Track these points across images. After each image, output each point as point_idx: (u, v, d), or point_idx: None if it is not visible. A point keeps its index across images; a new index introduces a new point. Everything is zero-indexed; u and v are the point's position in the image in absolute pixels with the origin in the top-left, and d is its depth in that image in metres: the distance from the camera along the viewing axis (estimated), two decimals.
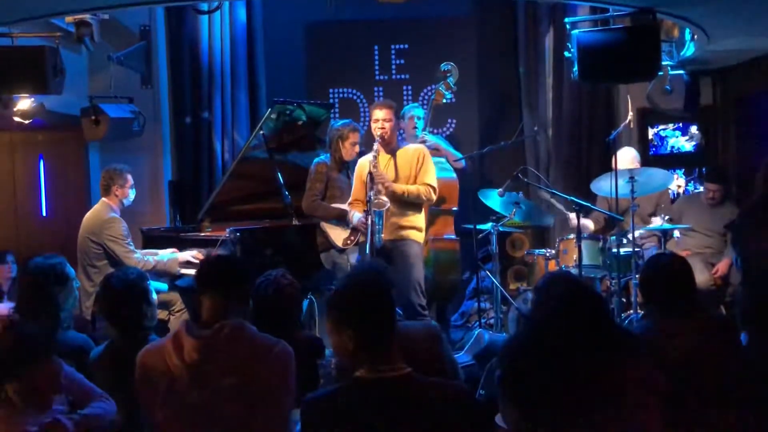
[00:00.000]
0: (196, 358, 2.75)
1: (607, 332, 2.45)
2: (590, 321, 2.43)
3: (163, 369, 2.79)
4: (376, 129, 5.60)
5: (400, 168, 5.64)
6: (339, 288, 2.54)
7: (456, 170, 6.65)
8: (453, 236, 6.54)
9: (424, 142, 6.52)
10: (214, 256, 3.15)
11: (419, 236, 5.70)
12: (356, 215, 5.68)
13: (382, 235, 5.38)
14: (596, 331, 2.42)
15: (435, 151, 6.58)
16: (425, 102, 7.72)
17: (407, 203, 5.61)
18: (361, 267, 3.99)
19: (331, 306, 2.49)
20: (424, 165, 5.67)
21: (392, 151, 5.70)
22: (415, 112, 6.80)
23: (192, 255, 5.87)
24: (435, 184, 5.67)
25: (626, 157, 6.51)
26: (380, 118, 5.61)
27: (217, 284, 2.92)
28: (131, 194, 5.98)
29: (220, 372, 2.74)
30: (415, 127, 6.69)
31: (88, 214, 5.91)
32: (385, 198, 5.40)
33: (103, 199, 5.92)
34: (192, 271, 5.88)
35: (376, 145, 5.55)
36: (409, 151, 5.76)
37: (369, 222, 5.32)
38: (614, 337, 2.47)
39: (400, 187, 5.54)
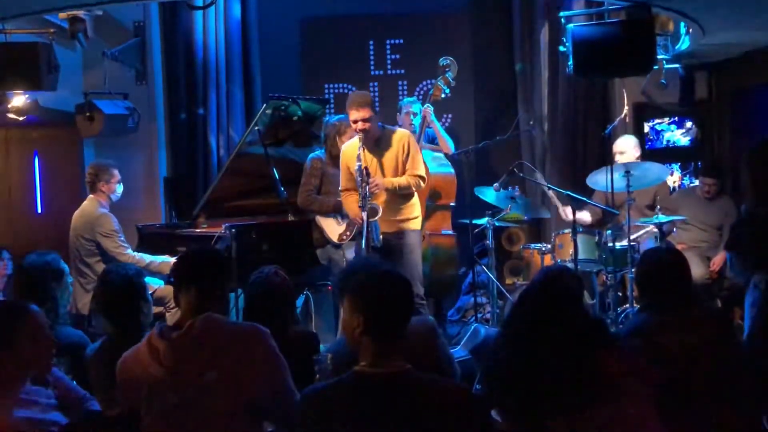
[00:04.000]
0: (173, 359, 2.72)
1: (580, 327, 2.45)
2: (560, 318, 2.45)
3: (142, 375, 2.76)
4: (357, 130, 5.41)
5: (385, 160, 5.53)
6: (363, 272, 2.58)
7: (452, 162, 6.62)
8: (450, 231, 6.54)
9: (425, 118, 6.52)
10: (186, 252, 3.11)
11: (417, 224, 5.62)
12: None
13: (381, 237, 5.33)
14: (568, 327, 2.43)
15: (434, 146, 6.58)
16: (421, 96, 7.72)
17: (400, 195, 5.54)
18: (362, 261, 4.01)
19: (351, 288, 2.52)
20: (410, 154, 5.53)
21: (376, 143, 5.55)
22: (414, 107, 6.77)
23: None
24: (423, 173, 5.56)
25: (629, 144, 6.48)
26: (359, 118, 5.38)
27: (192, 280, 2.87)
28: (118, 189, 5.95)
29: (199, 369, 2.71)
30: (412, 123, 6.66)
31: (77, 212, 5.89)
32: (377, 206, 5.33)
33: (91, 195, 5.90)
34: None
35: (360, 145, 5.41)
36: (394, 138, 5.58)
37: (365, 223, 5.26)
38: (589, 330, 2.47)
39: (391, 183, 5.44)
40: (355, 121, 5.41)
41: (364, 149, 5.44)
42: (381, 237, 5.34)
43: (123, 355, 2.87)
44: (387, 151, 5.55)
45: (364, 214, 5.26)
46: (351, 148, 5.54)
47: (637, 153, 6.47)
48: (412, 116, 6.70)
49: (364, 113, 5.38)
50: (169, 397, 2.72)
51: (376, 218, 5.32)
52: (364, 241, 5.26)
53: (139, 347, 2.83)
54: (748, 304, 4.18)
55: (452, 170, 6.50)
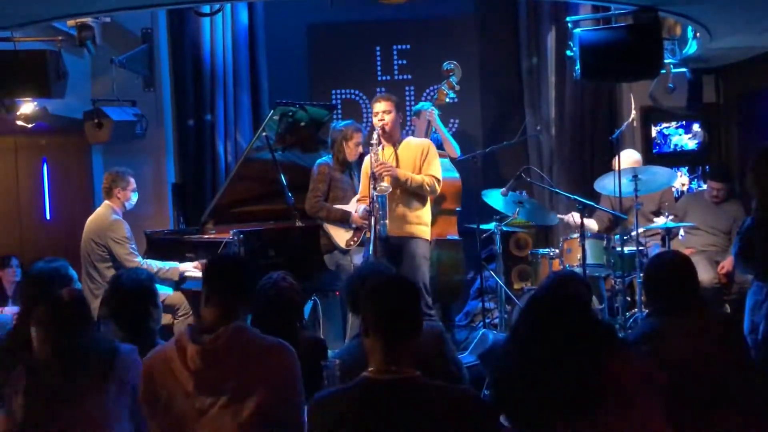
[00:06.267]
0: (200, 364, 2.75)
1: (589, 332, 2.45)
2: (568, 323, 2.45)
3: (168, 376, 2.79)
4: (377, 122, 5.57)
5: (403, 160, 5.59)
6: (374, 276, 2.63)
7: (459, 167, 6.62)
8: (456, 237, 6.53)
9: (430, 121, 6.52)
10: (220, 257, 3.15)
11: (426, 232, 5.64)
12: (361, 207, 5.65)
13: (386, 221, 5.35)
14: (576, 332, 2.42)
15: (439, 151, 6.57)
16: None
17: (412, 194, 5.56)
18: (370, 266, 4.01)
19: (363, 291, 2.57)
20: (428, 157, 5.62)
21: (395, 144, 5.66)
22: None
23: (193, 266, 5.92)
24: (440, 177, 5.63)
25: (628, 160, 6.50)
26: (380, 110, 5.57)
27: (225, 286, 2.90)
28: (133, 197, 5.99)
29: (224, 377, 2.74)
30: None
31: (91, 217, 5.92)
32: (386, 184, 5.36)
33: (106, 201, 5.94)
34: (197, 274, 5.89)
35: (376, 135, 5.50)
36: (413, 143, 5.73)
37: (372, 215, 5.28)
38: (597, 335, 2.47)
39: (403, 173, 5.48)
40: (377, 114, 5.57)
41: (383, 148, 5.49)
42: (387, 223, 5.34)
43: (149, 354, 2.91)
44: (405, 152, 5.64)
45: (372, 219, 5.27)
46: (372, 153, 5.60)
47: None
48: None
49: (386, 105, 5.55)
50: (193, 401, 2.75)
51: (385, 194, 5.34)
52: (372, 246, 5.26)
53: (166, 347, 2.86)
54: (750, 306, 4.18)
55: (457, 175, 6.49)
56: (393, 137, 5.64)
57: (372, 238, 5.29)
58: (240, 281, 2.95)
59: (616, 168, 5.97)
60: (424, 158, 5.62)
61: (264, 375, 2.76)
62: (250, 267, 3.10)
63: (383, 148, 5.54)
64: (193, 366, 2.74)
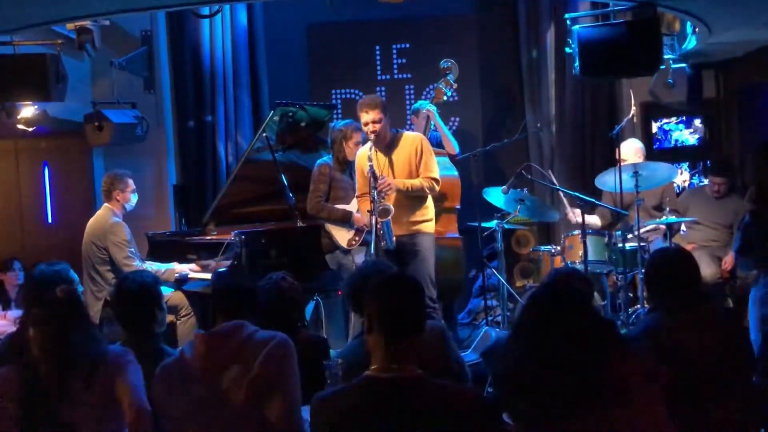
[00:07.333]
0: (203, 350, 2.90)
1: (591, 329, 2.45)
2: (569, 320, 2.45)
3: (179, 371, 2.94)
4: (368, 132, 5.44)
5: (397, 163, 5.52)
6: (376, 274, 2.72)
7: (455, 164, 6.61)
8: (456, 234, 6.52)
9: (429, 118, 6.50)
10: (224, 279, 3.30)
11: (431, 227, 5.61)
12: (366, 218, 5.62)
13: (394, 238, 5.33)
14: (578, 329, 2.43)
15: (437, 149, 6.57)
16: (429, 100, 7.71)
17: (413, 197, 5.52)
18: (372, 265, 4.02)
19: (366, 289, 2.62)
20: (423, 156, 5.53)
21: (388, 145, 5.56)
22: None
23: (189, 268, 5.93)
24: (437, 176, 5.56)
25: (630, 149, 6.50)
26: (369, 120, 5.40)
27: (230, 307, 3.08)
28: (133, 199, 5.99)
29: (225, 361, 2.87)
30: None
31: (91, 220, 5.93)
32: (389, 205, 5.30)
33: (106, 204, 5.94)
34: (198, 275, 5.90)
35: (371, 147, 5.44)
36: (406, 141, 5.59)
37: (374, 227, 5.26)
38: (599, 332, 2.47)
39: (403, 184, 5.42)
40: (366, 123, 5.44)
41: (376, 152, 5.45)
42: (394, 239, 5.34)
43: (161, 365, 3.02)
44: (399, 154, 5.54)
45: (374, 218, 5.26)
46: (364, 151, 5.54)
47: (639, 158, 6.44)
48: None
49: (375, 115, 5.40)
50: (197, 387, 2.87)
51: (389, 218, 5.29)
52: (373, 245, 5.26)
53: (178, 350, 3.08)
54: (758, 299, 4.19)
55: (456, 173, 6.47)
56: (385, 141, 5.53)
57: (373, 238, 5.27)
58: (244, 300, 3.15)
59: (620, 158, 5.98)
60: (419, 158, 5.52)
61: (262, 365, 2.84)
62: (252, 282, 3.38)
63: (376, 154, 5.45)
64: (198, 352, 2.90)
